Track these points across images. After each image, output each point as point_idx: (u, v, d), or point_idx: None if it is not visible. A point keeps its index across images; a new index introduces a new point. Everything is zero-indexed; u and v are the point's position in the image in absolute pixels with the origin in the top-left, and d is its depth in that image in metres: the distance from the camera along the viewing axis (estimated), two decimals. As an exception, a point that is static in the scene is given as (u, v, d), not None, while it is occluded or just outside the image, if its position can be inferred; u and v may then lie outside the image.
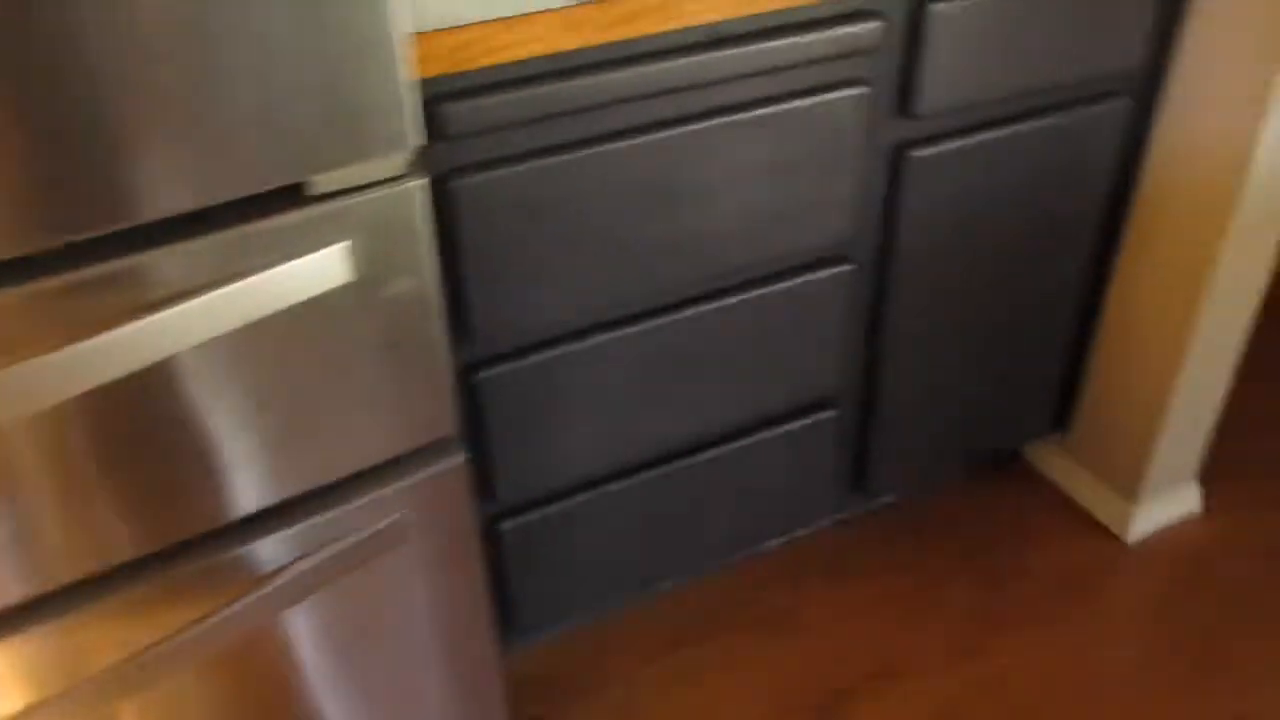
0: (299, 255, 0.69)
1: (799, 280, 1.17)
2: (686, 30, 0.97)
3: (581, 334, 1.08)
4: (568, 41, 0.90)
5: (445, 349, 0.82)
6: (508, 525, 1.15)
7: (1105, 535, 1.55)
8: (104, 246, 0.67)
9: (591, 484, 1.20)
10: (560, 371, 1.08)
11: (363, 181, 0.72)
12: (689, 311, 1.13)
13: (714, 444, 1.26)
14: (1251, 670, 1.35)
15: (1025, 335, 1.40)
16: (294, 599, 0.84)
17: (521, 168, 0.94)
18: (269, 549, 0.82)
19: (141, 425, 0.72)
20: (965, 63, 1.11)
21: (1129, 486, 1.51)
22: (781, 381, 1.25)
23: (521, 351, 1.06)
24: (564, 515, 1.18)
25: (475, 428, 1.07)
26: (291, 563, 0.82)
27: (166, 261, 0.68)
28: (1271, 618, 1.42)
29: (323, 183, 0.71)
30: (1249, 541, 1.53)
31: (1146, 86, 1.27)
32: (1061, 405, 1.53)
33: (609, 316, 1.09)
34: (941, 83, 1.11)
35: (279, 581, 0.81)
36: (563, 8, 0.88)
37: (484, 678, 1.05)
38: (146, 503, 0.76)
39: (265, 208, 0.70)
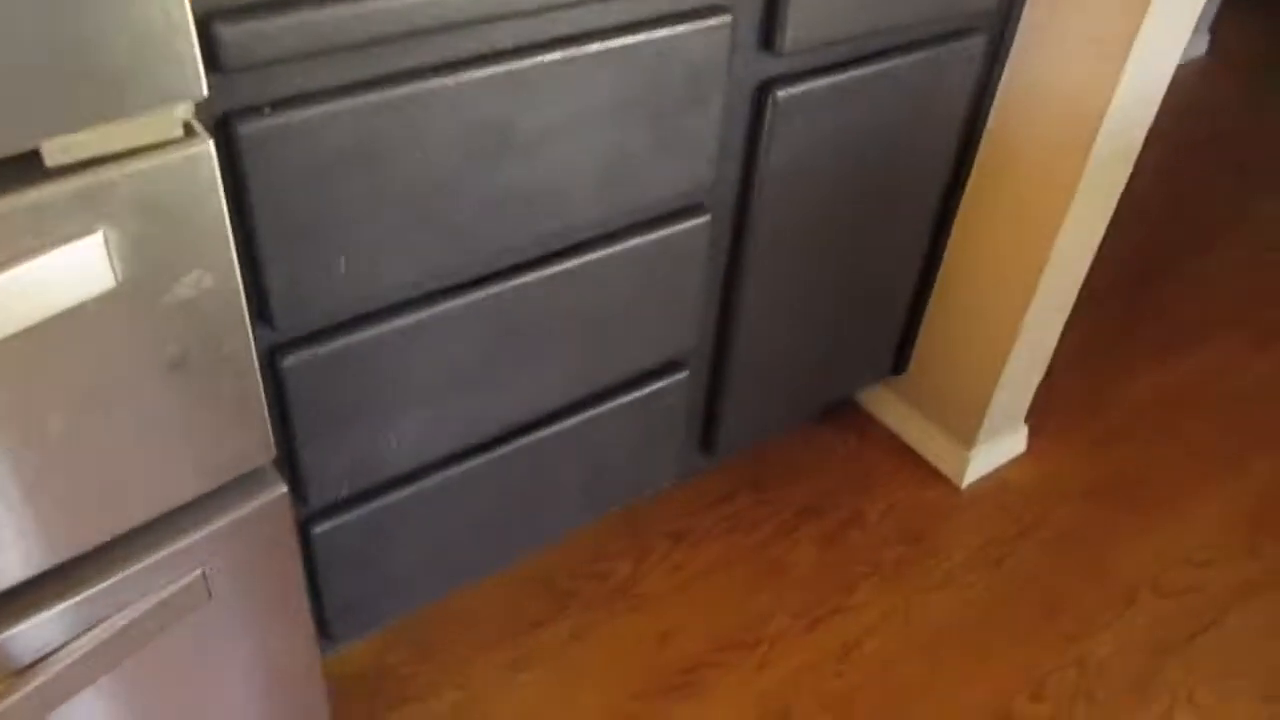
0: (35, 253, 0.49)
1: (652, 236, 1.04)
2: (531, -57, 0.80)
3: (400, 309, 0.91)
4: (387, -47, 0.71)
5: (252, 362, 0.64)
6: (319, 529, 0.98)
7: (940, 481, 1.54)
8: None
9: (414, 476, 1.04)
10: (377, 353, 0.91)
11: (122, 148, 0.52)
12: (527, 277, 0.97)
13: (556, 418, 1.12)
14: (1086, 610, 1.38)
15: (873, 283, 1.34)
16: (72, 688, 0.65)
17: (321, 109, 0.75)
18: (38, 631, 0.63)
19: None
20: (834, -7, 1.00)
21: (965, 432, 1.49)
22: (632, 346, 1.12)
23: (329, 332, 0.88)
24: (385, 510, 1.02)
25: (279, 421, 0.89)
26: (64, 644, 0.63)
27: None
28: (1097, 559, 1.45)
29: (62, 150, 0.51)
30: (1070, 484, 1.56)
31: (1001, 24, 1.20)
32: (900, 350, 1.49)
33: (432, 287, 0.93)
34: (807, 15, 0.99)
35: (53, 669, 0.62)
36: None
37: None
38: None
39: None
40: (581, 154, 0.92)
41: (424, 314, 0.92)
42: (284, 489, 0.72)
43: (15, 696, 0.61)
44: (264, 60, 0.69)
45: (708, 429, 1.33)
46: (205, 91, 0.54)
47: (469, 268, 0.93)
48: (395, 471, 1.01)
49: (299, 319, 0.84)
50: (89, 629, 0.65)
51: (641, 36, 0.90)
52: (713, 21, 0.94)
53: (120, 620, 0.65)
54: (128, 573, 0.65)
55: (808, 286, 1.26)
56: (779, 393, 1.36)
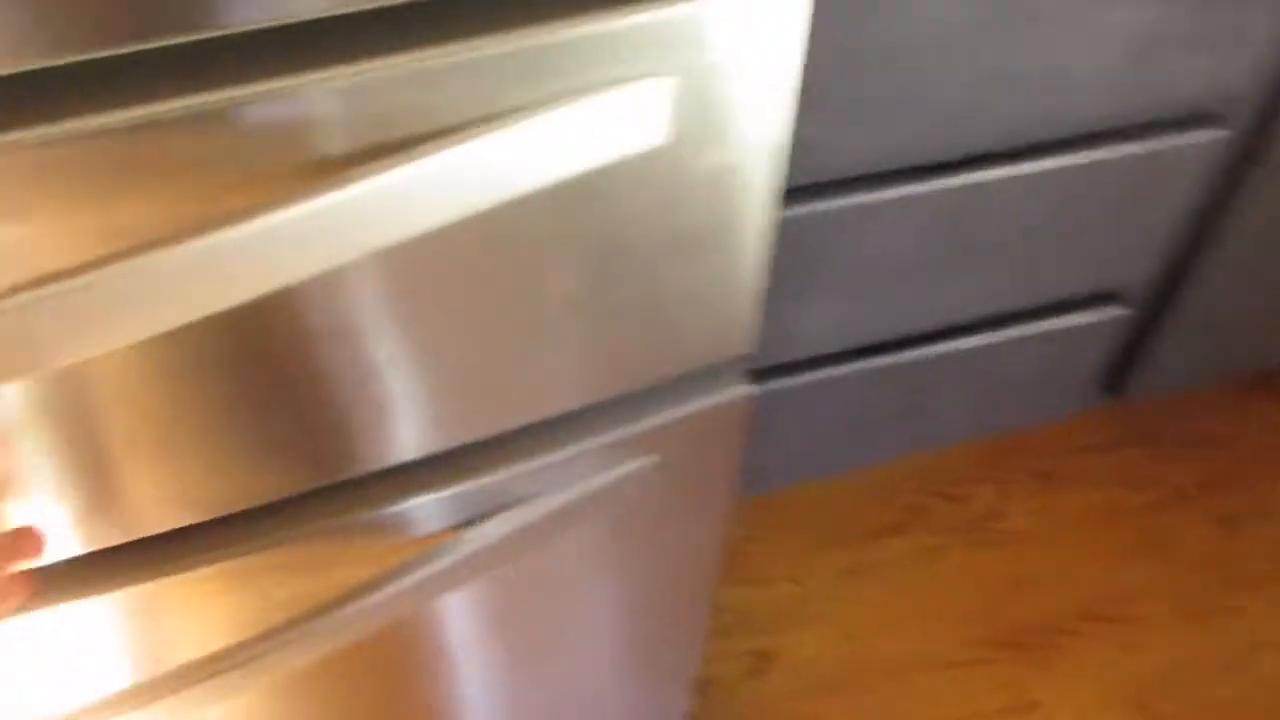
0: (593, 91, 0.42)
1: (1151, 144, 0.86)
2: None
3: (852, 185, 0.81)
4: None
5: (767, 245, 0.56)
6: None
7: (1384, 486, 1.28)
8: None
9: (816, 361, 0.96)
10: (819, 228, 0.82)
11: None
12: (991, 172, 0.84)
13: (965, 331, 1.00)
14: None
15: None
16: (477, 569, 0.63)
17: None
18: (465, 501, 0.61)
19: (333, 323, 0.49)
20: None
21: None
22: (1072, 268, 0.96)
23: (804, 196, 0.79)
24: (780, 390, 0.95)
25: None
26: (493, 513, 0.61)
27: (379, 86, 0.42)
28: None
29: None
30: None
31: None
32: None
33: (888, 167, 0.81)
34: None
35: (477, 543, 0.60)
36: None
37: (691, 629, 0.86)
38: (342, 426, 0.53)
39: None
40: (1106, 32, 0.76)
41: (875, 195, 0.81)
42: (752, 389, 0.66)
43: (421, 572, 0.59)
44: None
45: (1121, 370, 1.16)
46: None
47: (936, 151, 0.81)
48: (800, 353, 0.93)
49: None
50: (523, 503, 0.62)
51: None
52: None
53: (547, 503, 0.62)
54: (566, 454, 0.61)
55: (1303, 232, 1.03)
56: (1222, 346, 1.16)
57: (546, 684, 0.89)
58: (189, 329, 0.44)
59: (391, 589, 0.61)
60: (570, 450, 0.63)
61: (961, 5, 0.70)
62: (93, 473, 0.51)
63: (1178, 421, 1.33)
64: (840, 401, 1.02)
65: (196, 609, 0.60)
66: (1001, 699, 1.08)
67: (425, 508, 0.61)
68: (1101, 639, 1.13)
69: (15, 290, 0.39)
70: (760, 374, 0.95)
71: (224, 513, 0.56)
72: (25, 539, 0.51)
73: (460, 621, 0.75)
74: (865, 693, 1.09)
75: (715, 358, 0.62)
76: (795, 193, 0.79)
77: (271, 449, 0.54)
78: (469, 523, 0.63)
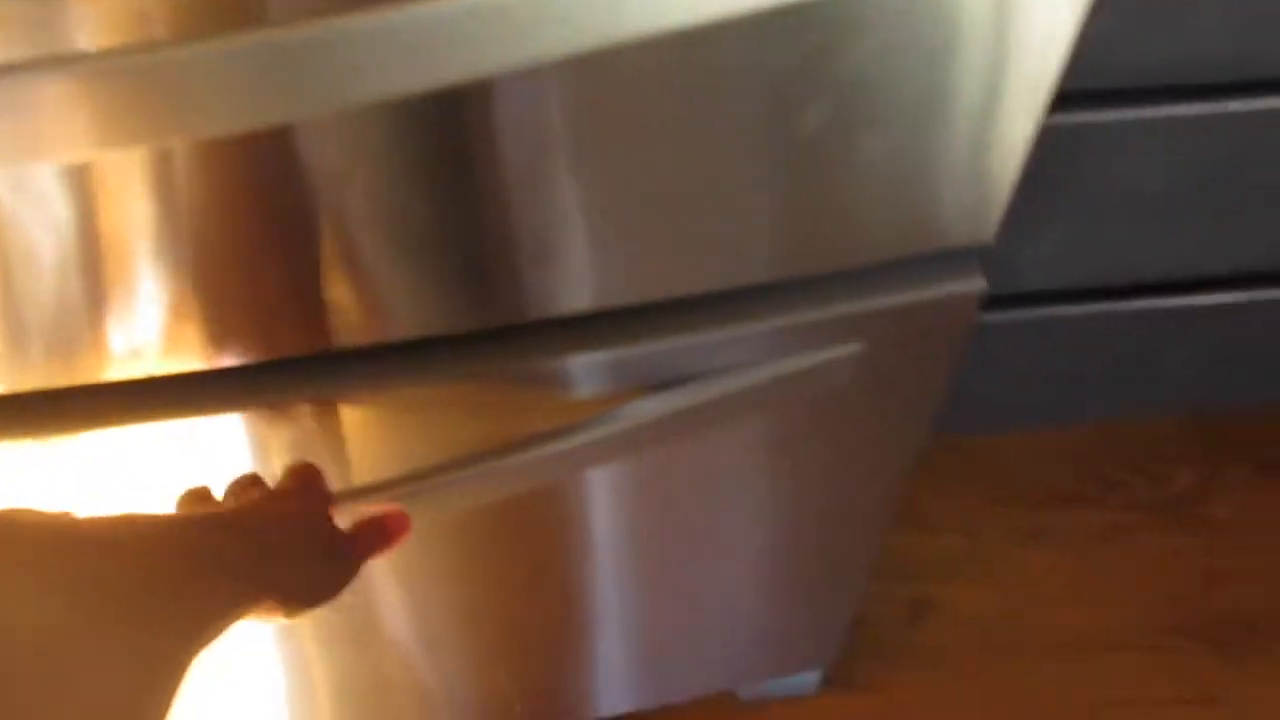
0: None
1: None
2: None
3: (1119, 98, 0.72)
4: None
5: (1038, 117, 0.50)
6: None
7: None
8: None
9: (1055, 296, 0.88)
10: (1092, 142, 0.74)
11: None
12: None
13: (1220, 286, 0.90)
14: None
15: None
16: (668, 436, 0.60)
17: None
18: (648, 365, 0.57)
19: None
20: None
21: None
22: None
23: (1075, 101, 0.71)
24: (1008, 325, 0.88)
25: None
26: (675, 383, 0.58)
27: None
28: None
29: None
30: None
31: None
32: None
33: (1170, 81, 0.72)
34: None
35: (656, 411, 0.57)
36: None
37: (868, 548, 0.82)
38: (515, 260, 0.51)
39: None
40: None
41: (1150, 112, 0.73)
42: (982, 283, 0.60)
43: (614, 427, 0.56)
44: None
45: (1380, 361, 1.03)
46: None
47: (1230, 67, 0.71)
48: (1018, 286, 0.86)
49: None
50: (700, 378, 0.58)
51: None
52: None
53: (734, 380, 0.58)
54: (762, 328, 0.57)
55: None
56: None
57: (693, 590, 0.87)
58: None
59: (564, 445, 0.58)
60: (767, 324, 0.59)
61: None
62: (296, 279, 0.50)
63: None
64: (1053, 348, 0.94)
65: (354, 437, 0.59)
66: (1181, 689, 1.00)
67: (605, 367, 0.58)
68: (1305, 647, 1.03)
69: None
70: (997, 301, 0.88)
71: (406, 337, 0.54)
72: (393, 520, 0.53)
73: (624, 502, 0.72)
74: (1028, 657, 1.02)
75: (950, 241, 0.56)
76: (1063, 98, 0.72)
77: (450, 280, 0.52)
78: (650, 389, 0.60)
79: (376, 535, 0.52)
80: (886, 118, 0.49)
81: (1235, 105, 0.73)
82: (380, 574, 0.72)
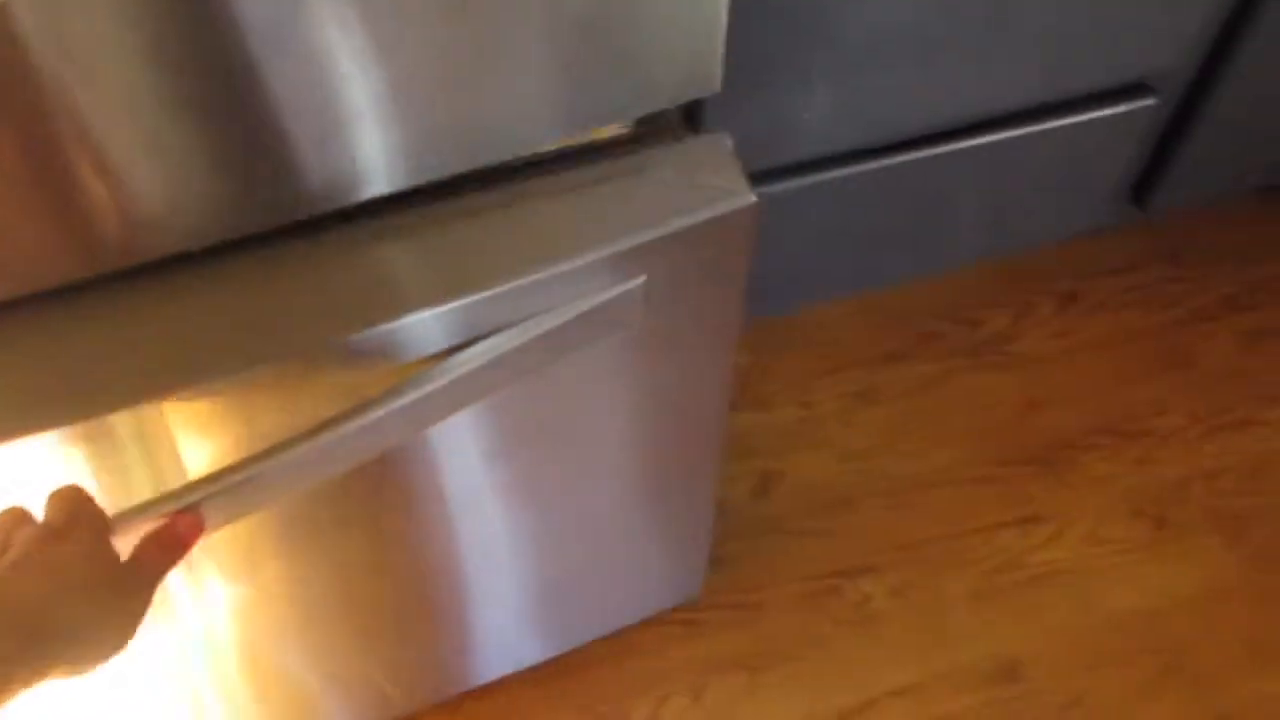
0: None
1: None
2: None
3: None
4: None
5: None
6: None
7: None
8: None
9: (821, 164, 0.90)
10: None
11: None
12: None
13: (986, 129, 0.94)
14: None
15: None
16: (463, 399, 0.60)
17: None
18: (457, 321, 0.57)
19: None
20: None
21: None
22: (1108, 51, 0.90)
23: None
24: (784, 195, 0.90)
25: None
26: (484, 336, 0.57)
27: None
28: None
29: None
30: None
31: None
32: None
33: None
34: None
35: (453, 373, 0.57)
36: None
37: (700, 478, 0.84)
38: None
39: None
40: None
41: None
42: (753, 199, 0.61)
43: (409, 397, 0.56)
44: None
45: (1148, 177, 1.09)
46: None
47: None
48: (803, 154, 0.88)
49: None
50: (505, 329, 0.58)
51: None
52: None
53: (541, 324, 0.58)
54: (554, 271, 0.57)
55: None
56: (1254, 151, 1.09)
57: (563, 516, 0.87)
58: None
59: (389, 410, 0.57)
60: (559, 268, 0.59)
61: None
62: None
63: (1203, 237, 1.27)
64: (845, 212, 0.97)
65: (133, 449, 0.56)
66: (1006, 513, 1.06)
67: (417, 328, 0.58)
68: (1116, 453, 1.10)
69: None
70: (758, 177, 0.90)
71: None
72: (183, 523, 0.50)
73: (473, 451, 0.72)
74: (870, 510, 1.07)
75: (681, 94, 0.57)
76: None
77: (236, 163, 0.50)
78: (463, 345, 0.60)
79: (167, 546, 0.48)
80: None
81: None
82: (221, 573, 0.69)
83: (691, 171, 0.63)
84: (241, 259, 0.57)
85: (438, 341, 0.59)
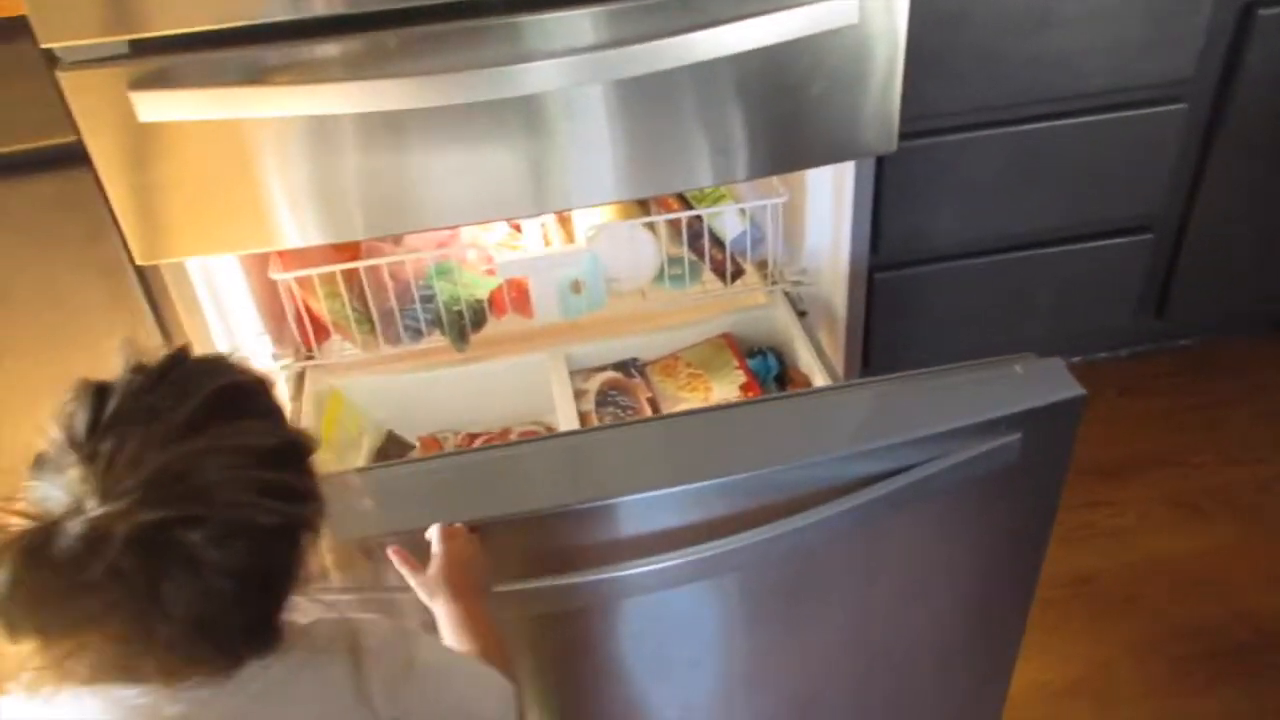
0: None
1: (1135, 111, 1.43)
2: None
3: (967, 127, 1.40)
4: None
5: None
6: (881, 277, 1.51)
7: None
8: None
9: (941, 257, 1.52)
10: (933, 155, 1.40)
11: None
12: (1046, 124, 1.41)
13: (1040, 244, 1.54)
14: None
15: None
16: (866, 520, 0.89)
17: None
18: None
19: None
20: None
21: None
22: (1111, 198, 1.51)
23: (922, 134, 1.38)
24: (916, 277, 1.52)
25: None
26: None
27: None
28: None
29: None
30: None
31: None
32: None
33: (987, 118, 1.40)
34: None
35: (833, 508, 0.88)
36: None
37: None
38: None
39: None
40: (1094, 34, 1.34)
41: (970, 135, 1.40)
42: (1082, 392, 0.95)
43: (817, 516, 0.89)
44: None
45: (1163, 295, 1.65)
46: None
47: (1005, 107, 1.40)
48: (929, 251, 1.50)
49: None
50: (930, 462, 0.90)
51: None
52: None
53: (958, 456, 0.91)
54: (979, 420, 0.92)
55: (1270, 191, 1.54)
56: (1238, 284, 1.65)
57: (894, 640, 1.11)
58: None
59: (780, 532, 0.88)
60: (972, 420, 0.92)
61: (1016, 16, 1.32)
62: None
63: (1225, 357, 1.76)
64: (965, 292, 1.55)
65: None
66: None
67: (854, 459, 0.91)
68: (1155, 474, 1.58)
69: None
70: (900, 265, 1.50)
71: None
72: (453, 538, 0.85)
73: (861, 570, 1.01)
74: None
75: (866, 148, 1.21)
76: (933, 131, 1.38)
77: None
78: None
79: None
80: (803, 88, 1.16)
81: (1028, 126, 1.41)
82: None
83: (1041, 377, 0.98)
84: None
85: (868, 470, 0.91)
